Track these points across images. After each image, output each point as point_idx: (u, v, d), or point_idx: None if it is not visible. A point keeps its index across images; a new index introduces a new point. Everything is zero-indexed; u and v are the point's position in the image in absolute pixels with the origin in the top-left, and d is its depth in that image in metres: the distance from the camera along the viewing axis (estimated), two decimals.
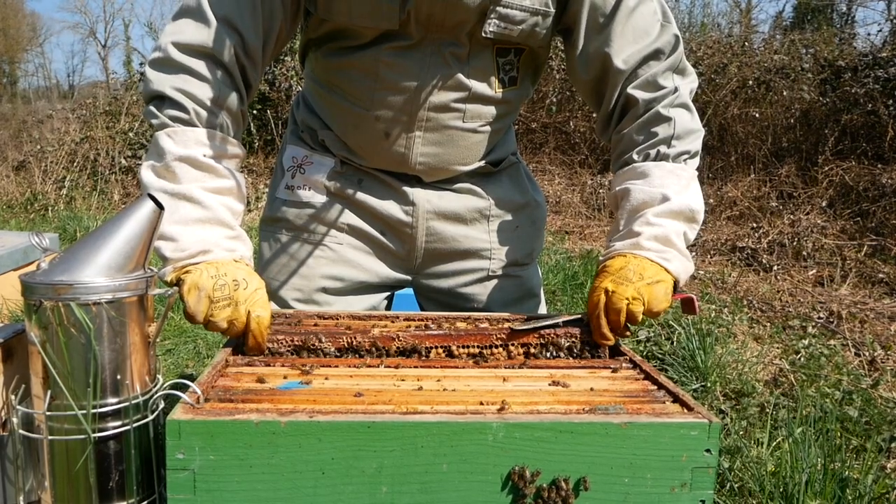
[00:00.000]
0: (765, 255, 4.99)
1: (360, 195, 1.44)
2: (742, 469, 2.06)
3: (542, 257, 4.51)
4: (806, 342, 3.33)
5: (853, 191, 5.61)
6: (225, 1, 1.19)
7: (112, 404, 0.85)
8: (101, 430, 0.84)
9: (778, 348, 3.34)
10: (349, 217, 1.45)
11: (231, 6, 1.19)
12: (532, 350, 1.16)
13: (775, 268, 4.79)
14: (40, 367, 0.83)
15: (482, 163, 1.45)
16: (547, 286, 4.09)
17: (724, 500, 1.95)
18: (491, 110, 1.37)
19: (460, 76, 1.30)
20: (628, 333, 1.18)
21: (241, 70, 1.23)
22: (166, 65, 1.17)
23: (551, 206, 6.62)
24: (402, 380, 1.00)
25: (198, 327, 3.46)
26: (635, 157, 1.29)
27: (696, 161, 1.30)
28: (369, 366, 1.07)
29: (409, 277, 1.52)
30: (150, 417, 0.89)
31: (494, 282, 1.51)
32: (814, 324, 3.66)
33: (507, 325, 1.19)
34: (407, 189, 1.43)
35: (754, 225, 5.50)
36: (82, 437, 0.83)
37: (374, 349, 1.13)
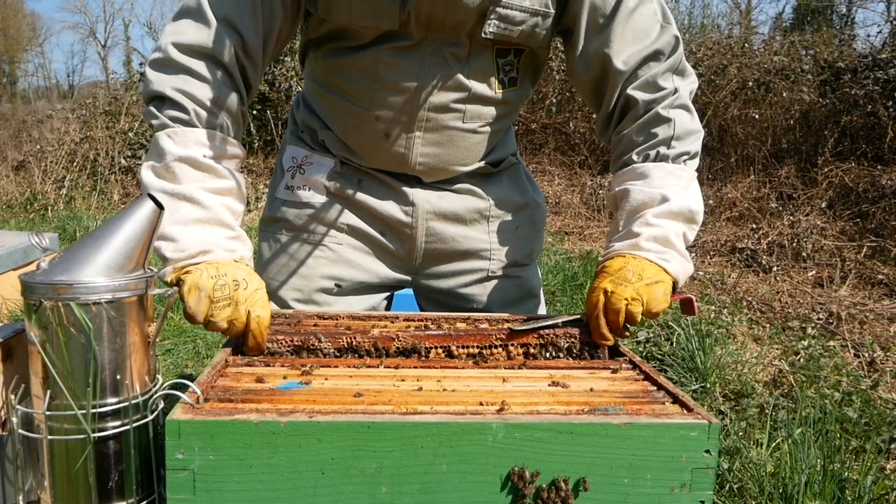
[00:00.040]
0: (764, 256, 4.99)
1: (360, 195, 1.44)
2: (741, 470, 2.06)
3: (541, 258, 4.51)
4: (805, 343, 3.33)
5: (853, 192, 5.61)
6: (225, 1, 1.19)
7: (112, 404, 0.85)
8: (100, 430, 0.84)
9: (777, 349, 3.34)
10: (349, 217, 1.45)
11: (231, 7, 1.19)
12: (531, 350, 1.16)
13: (775, 269, 4.79)
14: (40, 367, 0.83)
15: (482, 163, 1.45)
16: (547, 287, 4.09)
17: (724, 500, 1.95)
18: (491, 111, 1.37)
19: (460, 76, 1.30)
20: (627, 334, 1.18)
21: (241, 70, 1.23)
22: (166, 65, 1.17)
23: (551, 206, 6.63)
24: (402, 380, 1.00)
25: (197, 327, 3.46)
26: (635, 157, 1.29)
27: (696, 162, 1.30)
28: (369, 366, 1.07)
29: (408, 278, 1.52)
30: (150, 417, 0.89)
31: (494, 282, 1.51)
32: (813, 325, 3.66)
33: (506, 325, 1.19)
34: (407, 189, 1.43)
35: (754, 226, 5.50)
36: (82, 436, 0.83)
37: (374, 349, 1.13)
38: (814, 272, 4.75)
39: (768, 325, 3.69)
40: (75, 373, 0.83)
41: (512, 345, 1.16)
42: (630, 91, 1.28)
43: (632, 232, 1.22)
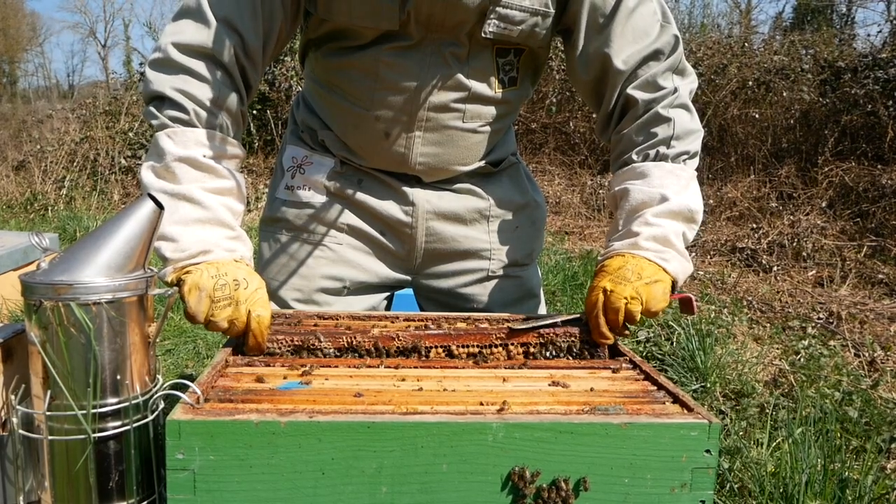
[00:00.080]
0: (764, 256, 4.99)
1: (360, 195, 1.44)
2: (742, 469, 2.06)
3: (541, 258, 4.51)
4: (806, 343, 3.33)
5: (853, 191, 5.61)
6: (225, 2, 1.19)
7: (112, 404, 0.85)
8: (101, 430, 0.84)
9: (778, 349, 3.34)
10: (349, 217, 1.45)
11: (231, 7, 1.19)
12: (531, 349, 1.16)
13: (775, 268, 4.79)
14: (40, 367, 0.83)
15: (482, 163, 1.45)
16: (547, 287, 4.09)
17: (724, 500, 1.95)
18: (491, 110, 1.37)
19: (460, 76, 1.30)
20: (627, 333, 1.18)
21: (241, 71, 1.23)
22: (166, 65, 1.17)
23: (551, 206, 6.63)
24: (402, 380, 1.00)
25: (197, 327, 3.46)
26: (635, 157, 1.29)
27: (696, 161, 1.30)
28: (369, 366, 1.07)
29: (408, 278, 1.52)
30: (150, 417, 0.89)
31: (494, 282, 1.51)
32: (813, 324, 3.66)
33: (506, 325, 1.19)
34: (407, 189, 1.43)
35: (754, 225, 5.50)
36: (82, 437, 0.83)
37: (374, 349, 1.13)
38: (814, 272, 4.75)
39: (768, 325, 3.69)
40: (75, 373, 0.83)
41: (512, 344, 1.16)
42: (630, 91, 1.28)
43: (631, 231, 1.22)
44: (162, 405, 0.91)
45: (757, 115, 6.54)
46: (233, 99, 1.21)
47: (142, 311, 0.89)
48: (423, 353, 1.13)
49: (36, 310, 0.82)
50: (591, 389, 0.98)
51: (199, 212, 1.13)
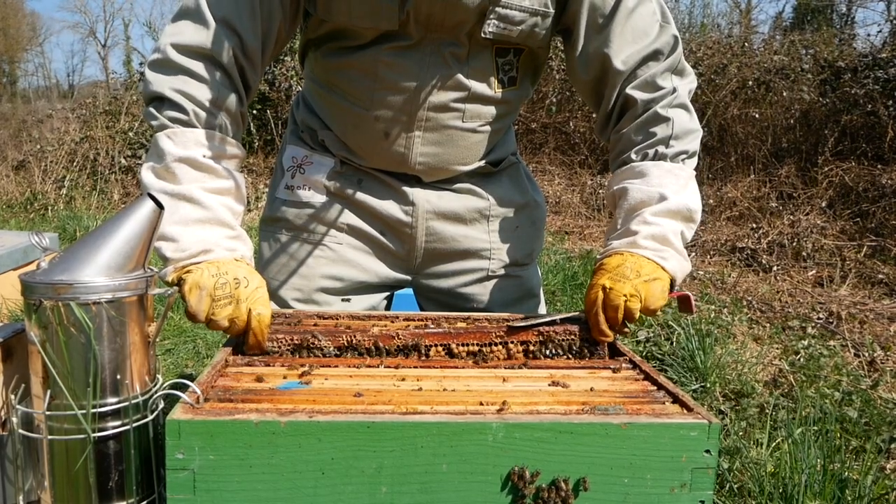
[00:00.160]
0: (764, 256, 4.99)
1: (360, 195, 1.44)
2: (741, 470, 2.06)
3: (541, 257, 4.51)
4: (805, 343, 3.33)
5: (853, 191, 5.61)
6: (224, 2, 1.19)
7: (112, 404, 0.85)
8: (100, 430, 0.84)
9: (777, 349, 3.34)
10: (349, 217, 1.45)
11: (230, 8, 1.19)
12: (531, 348, 1.16)
13: (775, 268, 4.79)
14: (40, 367, 0.83)
15: (482, 163, 1.45)
16: (547, 286, 4.09)
17: (724, 500, 1.95)
18: (490, 110, 1.37)
19: (460, 76, 1.30)
20: (626, 331, 1.18)
21: (240, 71, 1.23)
22: (165, 66, 1.17)
23: (551, 206, 6.63)
24: (402, 380, 1.00)
25: (197, 327, 3.47)
26: (633, 156, 1.29)
27: (694, 161, 1.30)
28: (369, 366, 1.07)
29: (408, 277, 1.52)
30: (150, 417, 0.89)
31: (494, 282, 1.51)
32: (813, 324, 3.66)
33: (506, 324, 1.19)
34: (406, 189, 1.43)
35: (754, 225, 5.50)
36: (82, 436, 0.83)
37: (374, 348, 1.13)
38: (814, 272, 4.75)
39: (768, 325, 3.69)
40: (75, 373, 0.83)
41: (512, 342, 1.16)
42: (629, 90, 1.28)
43: (630, 230, 1.22)
44: (162, 405, 0.91)
45: (757, 115, 6.54)
46: (232, 99, 1.21)
47: (142, 310, 0.89)
48: (423, 351, 1.13)
49: (36, 309, 0.82)
50: (591, 389, 0.98)
51: (200, 212, 1.13)
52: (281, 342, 1.11)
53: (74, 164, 7.46)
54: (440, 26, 1.24)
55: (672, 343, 3.17)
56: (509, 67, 1.35)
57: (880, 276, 4.56)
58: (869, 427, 2.47)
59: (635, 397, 0.96)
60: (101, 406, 0.84)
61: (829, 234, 5.20)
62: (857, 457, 2.22)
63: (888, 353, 3.26)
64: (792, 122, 6.49)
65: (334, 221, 1.45)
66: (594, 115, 1.42)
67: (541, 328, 1.16)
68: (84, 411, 0.83)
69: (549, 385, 1.00)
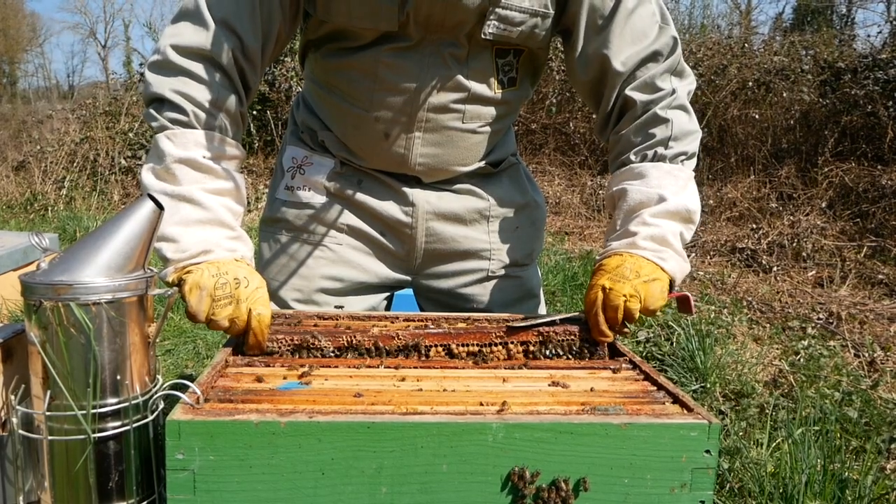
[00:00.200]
0: (764, 256, 4.99)
1: (360, 196, 1.44)
2: (742, 470, 2.06)
3: (541, 258, 4.51)
4: (805, 343, 3.33)
5: (853, 192, 5.61)
6: (223, 3, 1.19)
7: (112, 404, 0.85)
8: (100, 431, 0.84)
9: (777, 349, 3.34)
10: (349, 217, 1.45)
11: (229, 9, 1.19)
12: (531, 348, 1.16)
13: (775, 269, 4.79)
14: (40, 367, 0.83)
15: (482, 163, 1.45)
16: (547, 287, 4.09)
17: (724, 500, 1.95)
18: (490, 111, 1.37)
19: (459, 77, 1.30)
20: (626, 331, 1.18)
21: (240, 72, 1.23)
22: (165, 68, 1.17)
23: (551, 206, 6.63)
24: (402, 380, 1.00)
25: (197, 327, 3.47)
26: (633, 157, 1.29)
27: (693, 162, 1.30)
28: (369, 366, 1.07)
29: (408, 278, 1.52)
30: (150, 418, 0.89)
31: (494, 282, 1.51)
32: (813, 325, 3.66)
33: (506, 324, 1.19)
34: (406, 190, 1.43)
35: (754, 226, 5.50)
36: (82, 437, 0.83)
37: (374, 348, 1.13)
38: (814, 272, 4.75)
39: (768, 325, 3.69)
40: (75, 373, 0.83)
41: (512, 343, 1.16)
42: (628, 92, 1.29)
43: (629, 231, 1.22)
44: (162, 405, 0.91)
45: (757, 116, 6.54)
46: (231, 100, 1.21)
47: (142, 311, 0.89)
48: (423, 351, 1.13)
49: (36, 310, 0.82)
50: (591, 390, 0.98)
51: (200, 212, 1.13)
52: (281, 342, 1.11)
53: (74, 164, 7.46)
54: (440, 27, 1.24)
55: (672, 343, 3.17)
56: (509, 68, 1.35)
57: (880, 276, 4.56)
58: (869, 427, 2.47)
59: (635, 397, 0.96)
60: (101, 406, 0.84)
61: (829, 235, 5.20)
62: (857, 457, 2.21)
63: (888, 353, 3.26)
64: (792, 122, 6.49)
65: (334, 222, 1.45)
66: (594, 116, 1.42)
67: (540, 328, 1.16)
68: (84, 412, 0.83)
69: (549, 385, 1.00)
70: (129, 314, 0.87)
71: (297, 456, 0.80)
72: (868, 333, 3.53)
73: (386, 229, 1.46)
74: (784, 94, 6.48)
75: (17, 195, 7.34)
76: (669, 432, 0.84)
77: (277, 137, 7.47)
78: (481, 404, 0.90)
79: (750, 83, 6.62)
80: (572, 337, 1.17)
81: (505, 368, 1.09)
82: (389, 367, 1.06)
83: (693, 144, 1.29)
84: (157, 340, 0.93)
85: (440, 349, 1.14)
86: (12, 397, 0.86)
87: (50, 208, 6.96)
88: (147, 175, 1.15)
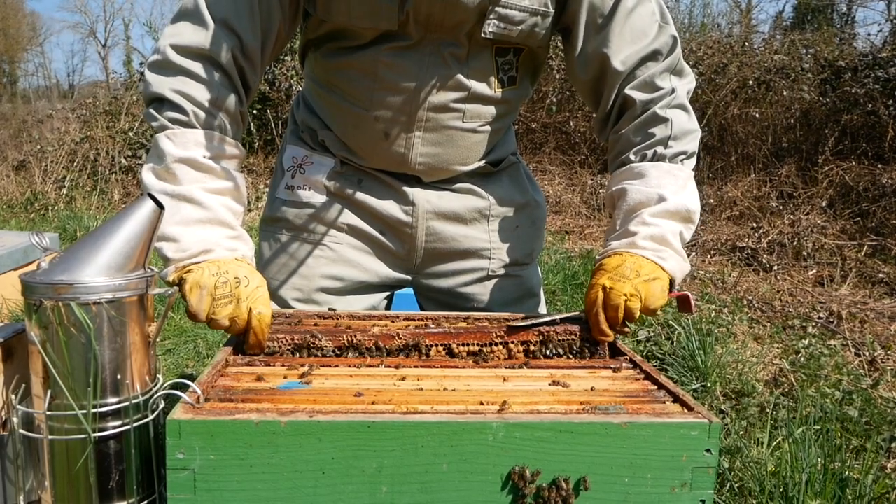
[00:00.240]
0: (765, 255, 4.99)
1: (360, 195, 1.44)
2: (742, 469, 2.06)
3: (542, 257, 4.51)
4: (806, 342, 3.33)
5: (853, 191, 5.61)
6: (223, 3, 1.19)
7: (112, 404, 0.85)
8: (101, 430, 0.84)
9: (778, 348, 3.34)
10: (349, 217, 1.45)
11: (229, 8, 1.19)
12: (532, 348, 1.16)
13: (775, 268, 4.79)
14: (40, 367, 0.83)
15: (482, 163, 1.45)
16: (547, 286, 4.09)
17: (724, 500, 1.95)
18: (490, 110, 1.37)
19: (459, 76, 1.30)
20: (627, 330, 1.18)
21: (240, 72, 1.23)
22: (165, 67, 1.17)
23: (551, 206, 6.62)
24: (403, 379, 1.00)
25: (198, 327, 3.47)
26: (632, 157, 1.29)
27: (693, 161, 1.30)
28: (369, 366, 1.07)
29: (408, 277, 1.52)
30: (151, 417, 0.89)
31: (494, 281, 1.51)
32: (814, 324, 3.66)
33: (506, 323, 1.19)
34: (407, 189, 1.43)
35: (754, 225, 5.50)
36: (82, 436, 0.83)
37: (374, 347, 1.13)
38: (814, 271, 4.75)
39: (769, 324, 3.69)
40: (76, 373, 0.83)
41: (512, 342, 1.16)
42: (628, 91, 1.28)
43: (629, 231, 1.22)
44: (162, 405, 0.91)
45: (757, 115, 6.54)
46: (231, 100, 1.21)
47: (142, 310, 0.89)
48: (424, 351, 1.13)
49: (36, 309, 0.82)
50: (592, 389, 0.98)
51: (200, 212, 1.13)
52: (281, 342, 1.11)
53: (75, 164, 7.46)
54: (440, 26, 1.24)
55: (672, 343, 3.17)
56: (509, 67, 1.35)
57: (881, 275, 4.56)
58: (869, 426, 2.47)
59: (636, 397, 0.96)
60: (101, 406, 0.84)
61: (830, 234, 5.20)
62: (857, 456, 2.21)
63: (889, 352, 3.26)
64: (792, 121, 6.49)
65: (334, 221, 1.45)
66: (594, 115, 1.42)
67: (541, 328, 1.17)
68: (84, 411, 0.83)
69: (550, 385, 1.00)
70: (130, 314, 0.87)
71: (297, 455, 0.80)
72: (868, 332, 3.53)
73: (386, 228, 1.46)
74: (784, 93, 6.48)
75: (18, 195, 7.35)
76: (670, 431, 0.84)
77: (277, 137, 7.47)
78: (482, 403, 0.90)
79: (750, 82, 6.62)
80: (573, 336, 1.17)
81: (505, 368, 1.09)
82: (390, 367, 1.06)
83: (693, 144, 1.29)
84: (158, 340, 0.93)
85: (440, 349, 1.14)
86: (13, 397, 0.86)
87: (50, 208, 6.96)
88: (147, 175, 1.15)
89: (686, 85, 1.31)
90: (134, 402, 0.87)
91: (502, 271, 1.52)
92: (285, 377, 0.99)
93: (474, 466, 0.82)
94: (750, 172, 6.33)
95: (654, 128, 1.27)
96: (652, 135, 1.27)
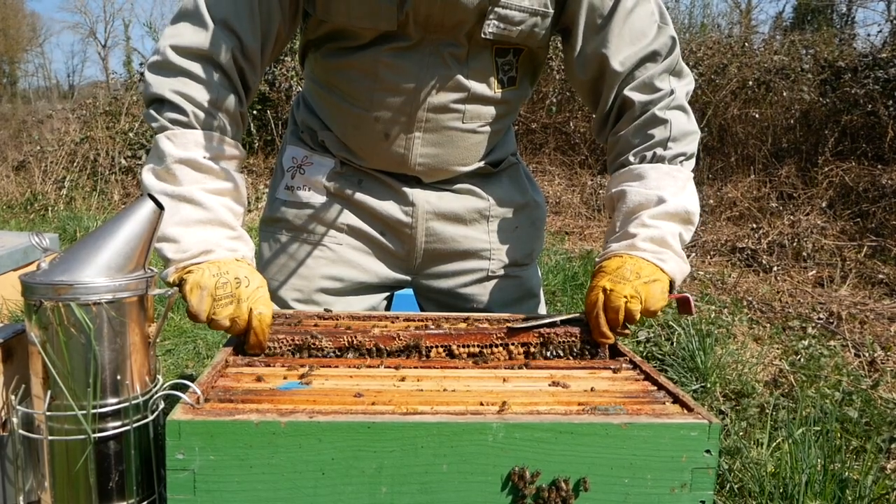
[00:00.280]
0: (765, 256, 4.99)
1: (360, 195, 1.44)
2: (742, 470, 2.06)
3: (541, 258, 4.51)
4: (806, 343, 3.33)
5: (853, 191, 5.61)
6: (223, 4, 1.19)
7: (112, 404, 0.85)
8: (101, 431, 0.84)
9: (778, 349, 3.34)
10: (349, 217, 1.45)
11: (229, 9, 1.19)
12: (532, 349, 1.16)
13: (775, 268, 4.79)
14: (40, 367, 0.83)
15: (482, 163, 1.45)
16: (547, 287, 4.09)
17: (724, 500, 1.95)
18: (490, 111, 1.37)
19: (459, 77, 1.30)
20: (627, 332, 1.18)
21: (240, 72, 1.23)
22: (165, 68, 1.17)
23: (551, 206, 6.63)
24: (403, 380, 1.00)
25: (198, 327, 3.47)
26: (632, 159, 1.29)
27: (692, 163, 1.30)
28: (369, 366, 1.07)
29: (408, 278, 1.52)
30: (150, 418, 0.89)
31: (494, 282, 1.51)
32: (814, 324, 3.66)
33: (506, 325, 1.19)
34: (406, 189, 1.43)
35: (754, 225, 5.50)
36: (82, 437, 0.83)
37: (374, 349, 1.13)
38: (814, 272, 4.75)
39: (769, 325, 3.69)
40: (75, 373, 0.83)
41: (513, 344, 1.16)
42: (627, 92, 1.29)
43: (628, 233, 1.22)
44: (162, 405, 0.91)
45: (757, 115, 6.54)
46: (231, 100, 1.21)
47: (142, 311, 0.89)
48: (424, 352, 1.13)
49: (36, 310, 0.82)
50: (592, 389, 0.98)
51: (201, 213, 1.13)
52: (282, 342, 1.11)
53: (74, 164, 7.46)
54: (439, 27, 1.24)
55: (672, 343, 3.17)
56: (509, 67, 1.35)
57: (880, 276, 4.56)
58: (869, 427, 2.47)
59: (635, 397, 0.96)
60: (101, 406, 0.84)
61: (830, 235, 5.20)
62: (857, 457, 2.21)
63: (888, 353, 3.26)
64: (792, 122, 6.49)
65: (334, 222, 1.45)
66: (593, 116, 1.41)
67: (541, 330, 1.16)
68: (84, 412, 0.83)
69: (550, 385, 1.00)
70: (130, 314, 0.87)
71: (297, 456, 0.80)
72: (868, 333, 3.53)
73: (386, 229, 1.46)
74: (784, 94, 6.48)
75: (18, 195, 7.34)
76: (670, 432, 0.84)
77: (277, 137, 7.47)
78: (481, 404, 0.90)
79: (750, 82, 6.62)
80: (573, 338, 1.17)
81: (505, 368, 1.09)
82: (390, 367, 1.06)
83: (692, 145, 1.29)
84: (158, 340, 0.93)
85: (441, 350, 1.14)
86: (12, 397, 0.86)
87: (50, 208, 6.96)
88: (148, 175, 1.15)
89: (685, 86, 1.31)
90: (134, 402, 0.87)
91: (502, 272, 1.51)
92: (285, 378, 0.99)
93: (474, 467, 0.82)
94: (750, 173, 6.34)
95: (654, 129, 1.27)
96: (651, 136, 1.27)
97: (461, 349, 1.14)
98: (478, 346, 1.15)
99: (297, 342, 1.12)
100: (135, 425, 0.87)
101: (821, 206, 5.56)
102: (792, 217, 5.43)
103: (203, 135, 1.17)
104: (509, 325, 1.18)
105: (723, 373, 2.88)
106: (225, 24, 1.19)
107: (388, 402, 0.89)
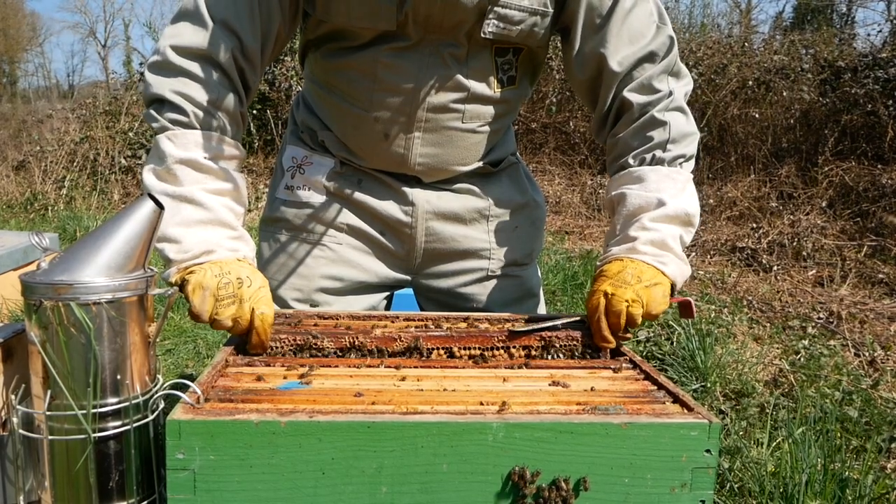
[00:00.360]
0: (765, 256, 4.99)
1: (360, 195, 1.44)
2: (742, 469, 2.06)
3: (541, 257, 4.51)
4: (806, 342, 3.33)
5: (853, 191, 5.61)
6: (222, 3, 1.19)
7: (112, 404, 0.85)
8: (101, 430, 0.84)
9: (778, 348, 3.34)
10: (348, 217, 1.45)
11: (229, 9, 1.19)
12: (533, 353, 1.16)
13: (775, 268, 4.79)
14: (40, 367, 0.83)
15: (481, 163, 1.45)
16: (547, 286, 4.09)
17: (724, 500, 1.95)
18: (490, 110, 1.37)
19: (459, 77, 1.30)
20: (628, 336, 1.18)
21: (240, 72, 1.23)
22: (165, 68, 1.17)
23: (551, 206, 6.63)
24: (403, 380, 1.00)
25: (198, 327, 3.47)
26: (631, 161, 1.29)
27: (692, 164, 1.30)
28: (369, 366, 1.07)
29: (408, 277, 1.52)
30: (151, 417, 0.89)
31: (494, 282, 1.51)
32: (814, 324, 3.66)
33: (507, 326, 1.19)
34: (406, 189, 1.43)
35: (754, 225, 5.50)
36: (82, 437, 0.83)
37: (375, 350, 1.13)
38: (814, 271, 4.75)
39: (769, 325, 3.69)
40: (75, 373, 0.83)
41: (514, 346, 1.16)
42: (625, 93, 1.28)
43: (629, 236, 1.22)
44: (162, 405, 0.91)
45: (757, 115, 6.54)
46: (231, 100, 1.21)
47: (142, 310, 0.89)
48: (425, 354, 1.13)
49: (36, 310, 0.82)
50: (592, 389, 0.98)
51: (201, 213, 1.14)
52: (283, 342, 1.11)
53: (74, 164, 7.46)
54: (439, 27, 1.24)
55: (672, 343, 3.17)
56: (508, 67, 1.35)
57: (880, 275, 4.56)
58: (869, 426, 2.47)
59: (636, 397, 0.96)
60: (101, 406, 0.84)
61: (830, 234, 5.20)
62: (857, 456, 2.21)
63: (888, 352, 3.26)
64: (792, 121, 6.49)
65: (334, 221, 1.45)
66: (592, 116, 1.41)
67: (542, 333, 1.17)
68: (84, 411, 0.83)
69: (550, 385, 1.00)
70: (130, 314, 0.87)
71: (297, 455, 0.80)
72: (868, 333, 3.53)
73: (386, 229, 1.46)
74: (784, 94, 6.48)
75: (17, 195, 7.34)
76: (670, 432, 0.84)
77: (277, 137, 7.47)
78: (481, 404, 0.90)
79: (750, 82, 6.62)
80: (574, 342, 1.17)
81: (505, 368, 1.09)
82: (390, 367, 1.06)
83: (691, 146, 1.29)
84: (158, 340, 0.93)
85: (441, 352, 1.14)
86: (12, 397, 0.86)
87: (50, 208, 6.96)
88: (148, 176, 1.15)
89: (684, 87, 1.31)
90: (134, 402, 0.87)
91: (501, 271, 1.51)
92: (285, 377, 0.99)
93: (474, 467, 0.82)
94: (750, 173, 6.34)
95: (653, 131, 1.27)
96: (650, 138, 1.27)
97: (462, 351, 1.14)
98: (479, 348, 1.15)
99: (298, 342, 1.12)
100: (135, 425, 0.87)
101: (821, 206, 5.57)
102: (792, 217, 5.44)
103: (203, 135, 1.17)
104: (510, 327, 1.18)
105: (723, 372, 2.88)
106: (225, 24, 1.19)
107: (388, 402, 0.89)
